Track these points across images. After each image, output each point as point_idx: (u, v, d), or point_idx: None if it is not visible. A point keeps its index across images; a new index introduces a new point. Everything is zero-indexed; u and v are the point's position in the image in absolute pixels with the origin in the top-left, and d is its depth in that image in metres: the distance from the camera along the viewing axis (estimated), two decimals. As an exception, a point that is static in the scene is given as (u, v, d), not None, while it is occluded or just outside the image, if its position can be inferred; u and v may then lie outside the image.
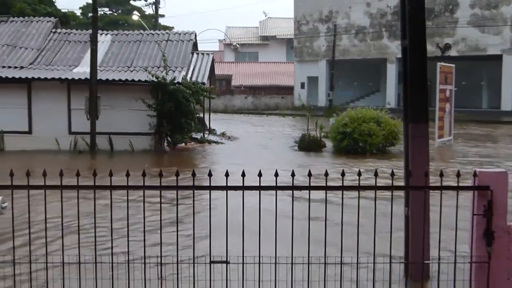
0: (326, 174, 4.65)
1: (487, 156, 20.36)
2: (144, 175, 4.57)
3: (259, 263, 4.58)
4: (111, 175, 4.54)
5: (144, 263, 4.69)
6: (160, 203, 4.83)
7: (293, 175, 4.59)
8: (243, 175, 4.50)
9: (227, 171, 4.58)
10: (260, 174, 4.53)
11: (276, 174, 4.53)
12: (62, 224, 4.78)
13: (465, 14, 47.24)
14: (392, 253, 4.75)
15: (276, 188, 4.59)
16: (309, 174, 4.62)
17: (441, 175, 4.67)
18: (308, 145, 21.22)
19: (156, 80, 20.28)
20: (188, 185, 4.79)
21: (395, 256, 4.91)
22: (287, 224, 4.69)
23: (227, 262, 4.60)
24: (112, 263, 4.74)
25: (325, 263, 4.66)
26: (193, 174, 4.61)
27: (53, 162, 17.28)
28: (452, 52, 45.24)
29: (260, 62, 70.45)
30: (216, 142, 24.35)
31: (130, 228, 4.83)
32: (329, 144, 21.39)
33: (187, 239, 5.67)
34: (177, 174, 4.61)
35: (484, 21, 46.95)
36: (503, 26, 46.24)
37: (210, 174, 4.68)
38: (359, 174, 4.73)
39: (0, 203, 4.35)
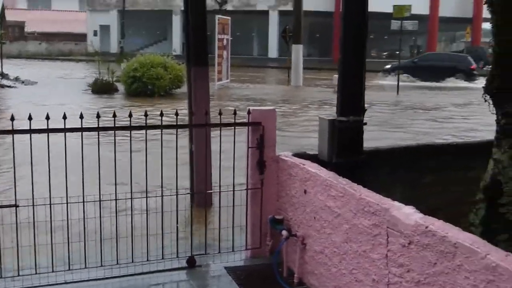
0: (114, 116, 4.31)
1: (256, 94, 21.34)
2: None
3: (50, 204, 4.18)
4: None
5: None
6: None
7: (81, 117, 4.17)
8: (30, 118, 3.98)
9: (12, 116, 4.00)
10: (48, 117, 4.05)
11: (64, 117, 4.07)
12: None
13: (238, -26, 48.10)
14: (178, 185, 4.63)
15: (65, 130, 4.15)
16: (98, 116, 4.24)
17: (220, 113, 4.60)
18: (101, 88, 20.35)
19: None
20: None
21: (181, 188, 4.78)
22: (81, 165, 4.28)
23: (16, 206, 4.10)
24: None
25: (116, 199, 4.38)
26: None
27: None
28: (228, 7, 45.96)
29: (53, 10, 65.45)
30: (9, 86, 22.24)
31: None
32: (121, 87, 20.70)
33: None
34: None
35: (254, -20, 48.25)
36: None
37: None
38: (146, 115, 4.46)
39: None
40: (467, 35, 42.36)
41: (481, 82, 28.60)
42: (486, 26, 55.17)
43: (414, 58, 32.17)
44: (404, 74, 28.36)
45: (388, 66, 30.13)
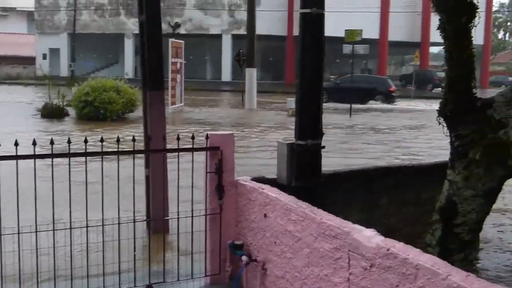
0: (69, 142, 4.22)
1: (211, 117, 21.33)
2: None
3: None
4: None
5: None
6: None
7: (34, 144, 4.05)
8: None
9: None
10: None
11: (16, 144, 3.96)
12: None
13: (191, -2, 48.43)
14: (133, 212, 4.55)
15: (16, 157, 4.03)
16: (51, 143, 4.14)
17: (178, 138, 4.57)
18: (51, 112, 19.95)
19: None
20: None
21: (137, 215, 4.69)
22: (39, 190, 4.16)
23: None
24: None
25: (70, 228, 4.27)
26: None
27: None
28: (181, 30, 46.02)
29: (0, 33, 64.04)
30: (-46, 111, 21.54)
31: None
32: (72, 112, 20.34)
33: None
34: None
35: (207, 5, 48.64)
36: (222, 10, 48.42)
37: None
38: (102, 140, 4.39)
39: None
40: (416, 59, 43.66)
41: (399, 104, 29.74)
42: (434, 50, 57.15)
43: (336, 80, 32.93)
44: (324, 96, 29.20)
45: None
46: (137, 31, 6.98)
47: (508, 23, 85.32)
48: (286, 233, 4.03)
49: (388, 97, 30.12)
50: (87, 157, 4.29)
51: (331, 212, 3.70)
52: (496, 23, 77.95)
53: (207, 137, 4.68)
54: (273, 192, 4.29)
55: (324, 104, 4.74)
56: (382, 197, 6.01)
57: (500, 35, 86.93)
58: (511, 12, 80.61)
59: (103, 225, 4.37)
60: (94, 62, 55.05)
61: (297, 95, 4.72)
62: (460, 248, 4.65)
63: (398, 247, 2.94)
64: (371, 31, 41.91)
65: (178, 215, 4.66)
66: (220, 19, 48.54)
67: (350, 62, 25.33)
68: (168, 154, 5.82)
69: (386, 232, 3.32)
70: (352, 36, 23.30)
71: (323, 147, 4.79)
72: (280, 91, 37.89)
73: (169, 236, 5.59)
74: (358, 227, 3.33)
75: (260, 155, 12.83)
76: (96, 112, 19.19)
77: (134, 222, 4.56)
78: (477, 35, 4.50)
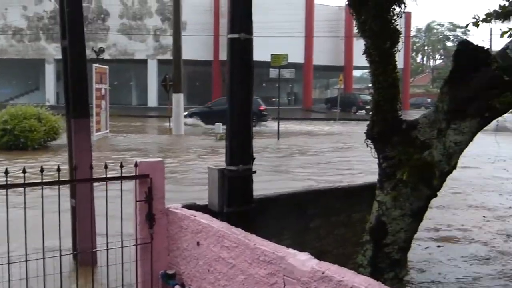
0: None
1: (138, 144, 21.02)
2: None
3: None
4: None
5: None
6: None
7: None
8: None
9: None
10: None
11: None
12: None
13: (115, 23, 47.90)
14: (59, 245, 4.37)
15: None
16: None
17: (106, 167, 4.44)
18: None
19: None
20: None
21: (63, 248, 4.51)
22: None
23: None
24: None
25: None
26: None
27: None
28: (105, 56, 45.21)
29: None
30: None
31: None
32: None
33: None
34: None
35: (131, 30, 48.26)
36: (147, 35, 48.16)
37: None
38: (24, 171, 4.21)
39: None
40: (340, 82, 44.95)
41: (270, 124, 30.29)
42: (357, 73, 59.07)
43: (208, 104, 33.66)
44: (198, 120, 30.31)
45: (186, 113, 31.18)
46: (58, 56, 6.81)
47: (425, 47, 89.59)
48: (220, 260, 3.99)
49: (260, 117, 30.47)
50: (8, 189, 4.09)
51: (264, 237, 3.70)
52: (414, 47, 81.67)
53: (136, 164, 4.58)
54: (205, 219, 4.25)
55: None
56: (314, 219, 6.08)
57: (419, 59, 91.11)
58: (427, 37, 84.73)
59: (26, 260, 4.16)
60: (12, 88, 53.14)
61: (227, 120, 4.73)
62: (391, 267, 4.76)
63: (333, 270, 2.96)
64: (297, 56, 42.82)
65: (107, 246, 4.51)
66: (145, 44, 48.17)
67: (276, 86, 25.71)
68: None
69: (319, 254, 3.35)
70: (278, 60, 23.73)
71: (254, 172, 4.81)
72: (207, 115, 37.85)
73: (97, 268, 5.40)
74: (292, 251, 3.34)
75: (189, 181, 12.72)
76: (16, 140, 18.49)
77: (60, 255, 4.38)
78: (398, 59, 4.69)
